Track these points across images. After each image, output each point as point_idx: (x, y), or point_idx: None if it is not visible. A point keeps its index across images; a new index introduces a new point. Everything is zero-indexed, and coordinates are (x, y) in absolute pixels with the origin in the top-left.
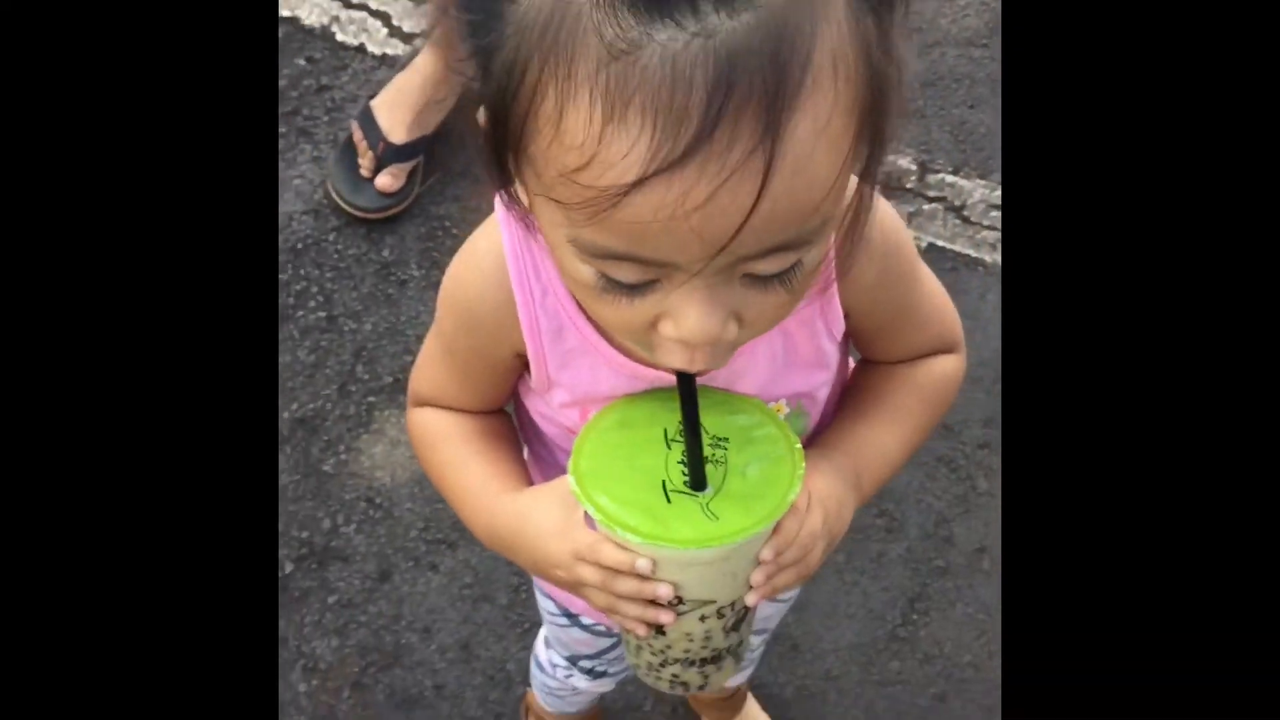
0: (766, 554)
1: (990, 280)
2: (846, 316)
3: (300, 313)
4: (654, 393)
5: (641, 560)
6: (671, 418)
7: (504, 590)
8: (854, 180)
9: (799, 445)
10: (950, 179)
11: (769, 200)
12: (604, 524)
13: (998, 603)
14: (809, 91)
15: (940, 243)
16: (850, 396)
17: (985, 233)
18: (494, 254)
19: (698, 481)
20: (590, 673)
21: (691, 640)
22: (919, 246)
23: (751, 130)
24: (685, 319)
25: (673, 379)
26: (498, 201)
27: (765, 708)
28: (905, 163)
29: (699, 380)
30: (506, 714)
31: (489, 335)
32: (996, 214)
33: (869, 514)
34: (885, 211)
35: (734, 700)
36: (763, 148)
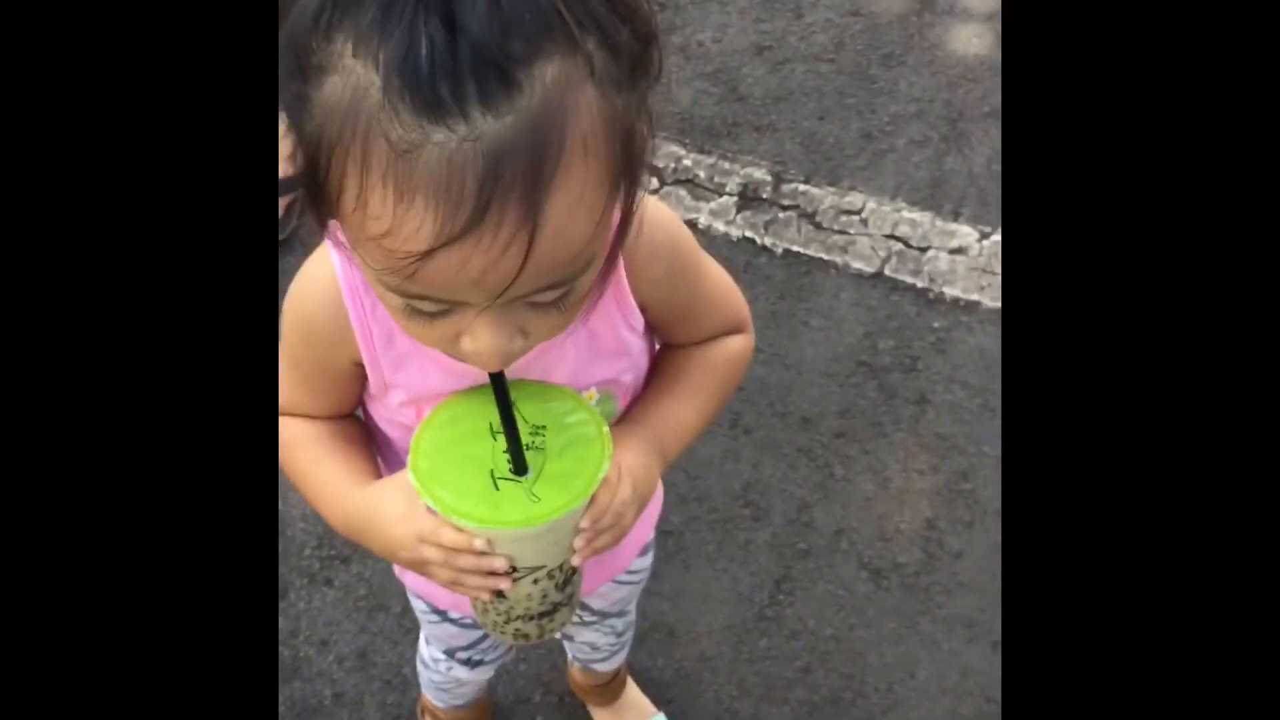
0: (585, 523)
1: (843, 280)
2: (644, 309)
3: None
4: (477, 390)
5: (478, 540)
6: (495, 413)
7: (397, 599)
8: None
9: (606, 428)
10: (803, 188)
11: (534, 261)
12: (443, 513)
13: (856, 580)
14: (563, 173)
15: (795, 248)
16: (653, 377)
17: (836, 237)
18: (328, 274)
19: (519, 467)
20: (468, 663)
21: (530, 600)
22: (775, 252)
23: (516, 212)
24: (479, 338)
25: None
26: (330, 240)
27: (645, 691)
28: (760, 174)
29: (518, 374)
30: (404, 716)
31: (328, 345)
32: (846, 218)
33: (736, 505)
34: (663, 212)
35: (614, 685)
36: (526, 226)
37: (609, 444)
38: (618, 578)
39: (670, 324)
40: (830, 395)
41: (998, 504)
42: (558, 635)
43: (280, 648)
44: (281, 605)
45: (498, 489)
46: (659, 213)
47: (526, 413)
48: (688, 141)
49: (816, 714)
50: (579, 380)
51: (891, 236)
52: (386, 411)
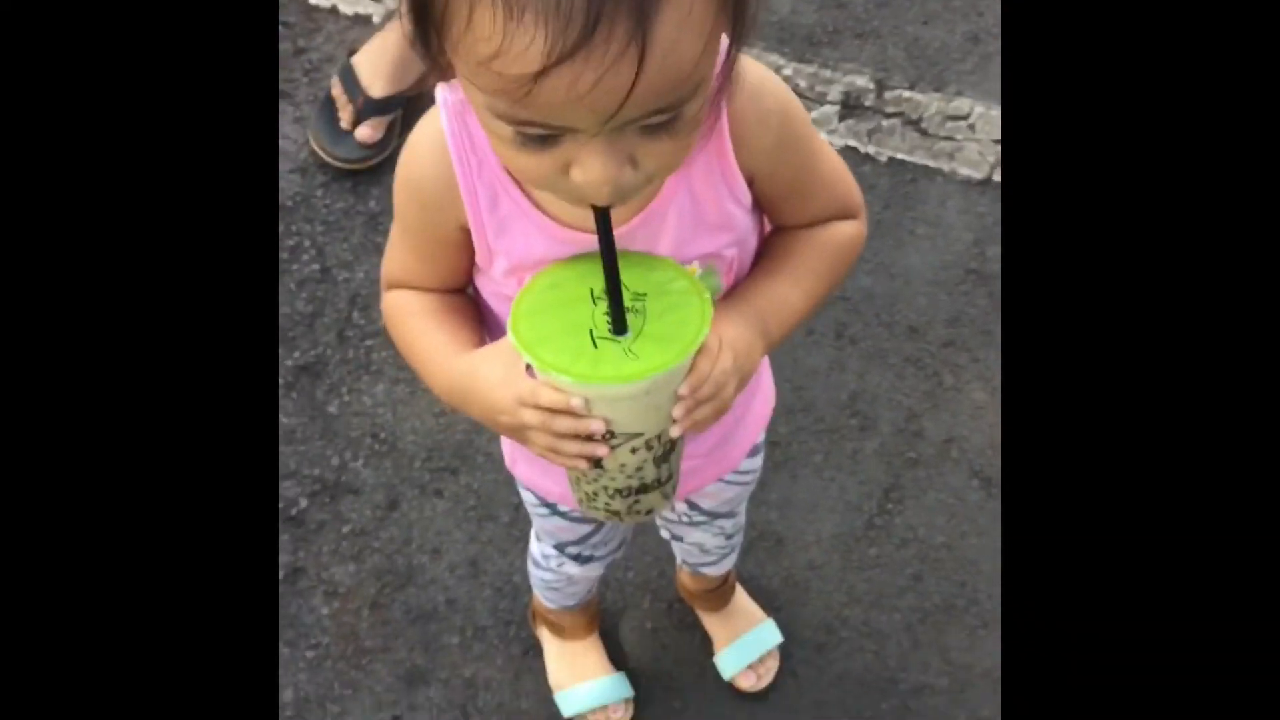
0: (684, 389)
1: (950, 188)
2: (751, 182)
3: (295, 266)
4: (579, 258)
5: (575, 399)
6: (596, 279)
7: (505, 509)
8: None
9: (708, 295)
10: (907, 94)
11: (644, 80)
12: (541, 370)
13: (967, 489)
14: None
15: (900, 155)
16: (760, 259)
17: (942, 143)
18: (435, 136)
19: (619, 326)
20: (578, 558)
21: (624, 471)
22: (879, 161)
23: (625, 26)
24: (589, 166)
25: (595, 243)
26: (438, 92)
27: (754, 598)
28: (863, 81)
29: (622, 245)
30: (515, 621)
31: (436, 208)
32: (952, 124)
33: (843, 415)
34: (774, 81)
35: (723, 591)
36: (635, 41)
37: (709, 309)
38: (726, 477)
39: (778, 200)
40: (938, 304)
41: None
42: (649, 517)
43: (395, 556)
44: (394, 516)
45: (596, 348)
46: (770, 81)
47: (628, 280)
48: (787, 50)
49: (928, 621)
50: (682, 252)
51: (1000, 142)
52: (492, 284)
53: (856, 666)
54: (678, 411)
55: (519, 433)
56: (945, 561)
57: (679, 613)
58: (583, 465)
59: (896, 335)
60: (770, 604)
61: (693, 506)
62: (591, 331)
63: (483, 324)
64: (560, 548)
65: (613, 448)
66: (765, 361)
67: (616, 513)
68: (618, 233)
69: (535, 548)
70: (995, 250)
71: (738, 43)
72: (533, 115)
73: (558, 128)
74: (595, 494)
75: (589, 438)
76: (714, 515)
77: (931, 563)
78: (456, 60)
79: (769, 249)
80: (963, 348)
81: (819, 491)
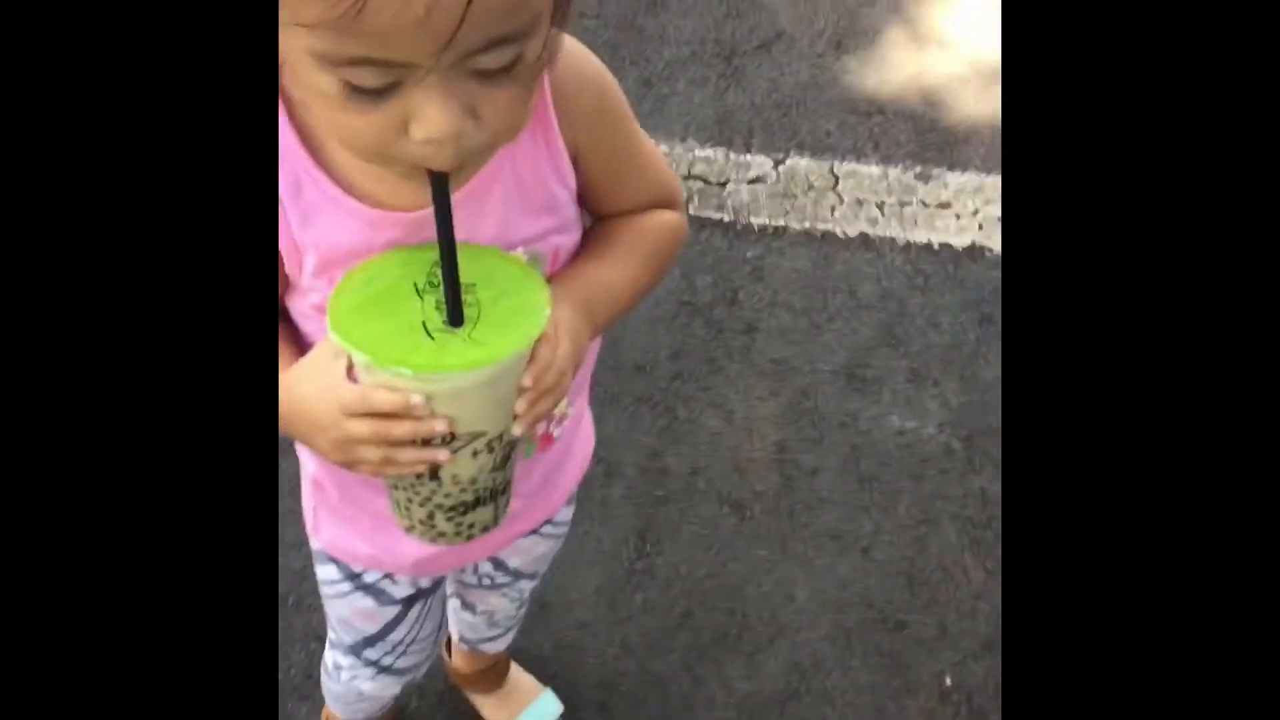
0: (527, 380)
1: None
2: (574, 160)
3: None
4: (395, 252)
5: (415, 396)
6: (417, 271)
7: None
8: None
9: (541, 277)
10: None
11: None
12: (377, 365)
13: (719, 516)
14: None
15: None
16: (582, 245)
17: None
18: None
19: (455, 316)
20: (376, 665)
21: (459, 482)
22: None
23: None
24: (428, 117)
25: (409, 226)
26: None
27: (528, 668)
28: None
29: (429, 240)
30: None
31: None
32: None
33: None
34: (590, 55)
35: (499, 668)
36: None
37: (546, 292)
38: (542, 529)
39: (599, 181)
40: (659, 340)
41: (841, 416)
42: (479, 537)
43: None
44: None
45: (434, 339)
46: (583, 49)
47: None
48: None
49: (705, 656)
50: (505, 237)
51: (690, 176)
52: (301, 298)
53: (643, 717)
54: (521, 405)
55: (345, 450)
56: (712, 592)
57: (452, 702)
58: (421, 469)
59: (625, 376)
60: (544, 672)
61: (498, 566)
62: (424, 324)
63: (298, 349)
64: (357, 649)
65: (453, 451)
66: (585, 392)
67: (444, 534)
68: (428, 212)
69: (329, 656)
70: (703, 280)
71: None
72: (362, 47)
73: (391, 63)
74: (428, 516)
75: (427, 443)
76: (518, 575)
77: (698, 597)
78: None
79: (590, 237)
80: (690, 379)
81: (575, 546)
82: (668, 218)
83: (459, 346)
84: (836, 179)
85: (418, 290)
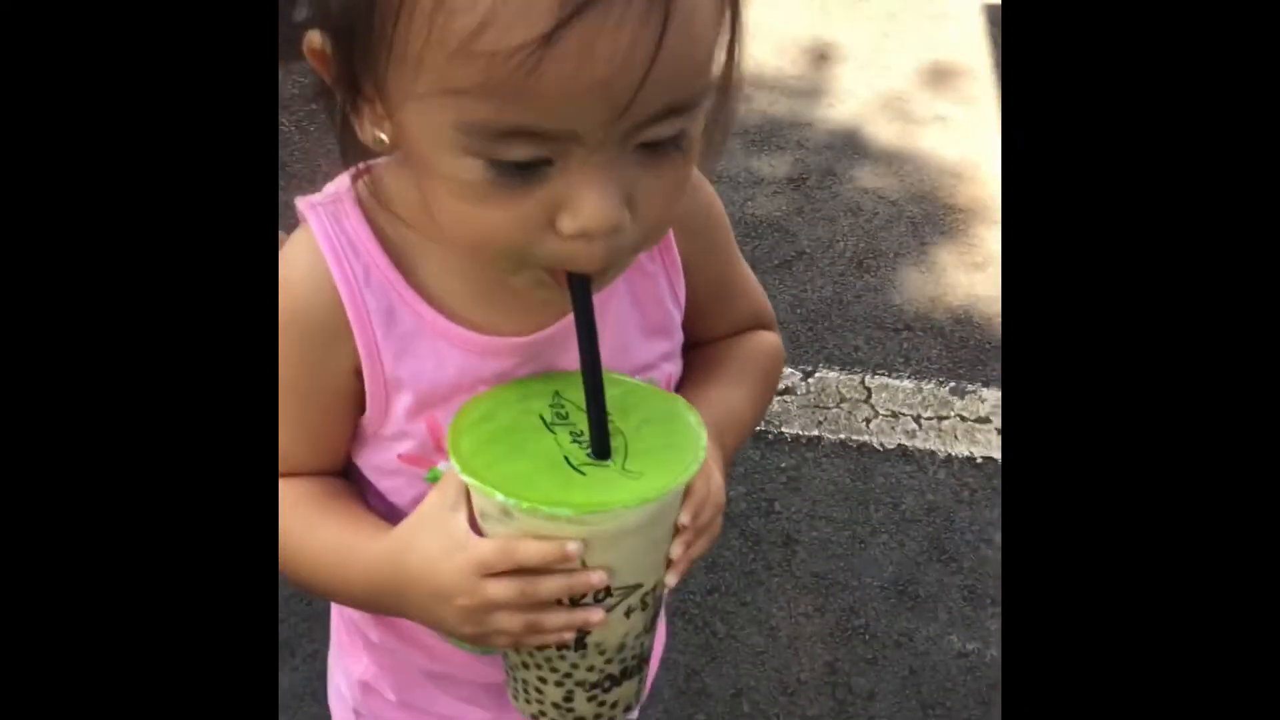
0: (685, 517)
1: None
2: (684, 273)
3: None
4: (507, 386)
5: (572, 544)
6: (539, 403)
7: None
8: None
9: (683, 401)
10: None
11: (666, 51)
12: (519, 508)
13: None
14: None
15: None
16: (691, 371)
17: None
18: (308, 250)
19: (602, 447)
20: None
21: (605, 651)
22: None
23: None
24: (584, 203)
25: (521, 355)
26: (299, 206)
27: None
28: None
29: (549, 358)
30: None
31: (321, 341)
32: None
33: None
34: (701, 177)
35: None
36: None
37: (696, 414)
38: None
39: (706, 300)
40: None
41: (895, 635)
42: None
43: None
44: None
45: (583, 474)
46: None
47: (578, 399)
48: None
49: None
50: (620, 365)
51: None
52: (383, 450)
53: None
54: (677, 548)
55: (479, 620)
56: None
57: None
58: (567, 639)
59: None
60: None
61: None
62: (567, 459)
63: (377, 514)
64: None
65: (607, 611)
66: None
67: (581, 718)
68: (543, 336)
69: None
70: (737, 490)
71: (734, 55)
72: (524, 115)
73: (553, 135)
74: (564, 697)
75: (574, 604)
76: None
77: None
78: (404, 74)
79: (699, 362)
80: (728, 593)
81: None
82: (772, 338)
83: (616, 481)
84: (869, 391)
85: (546, 424)
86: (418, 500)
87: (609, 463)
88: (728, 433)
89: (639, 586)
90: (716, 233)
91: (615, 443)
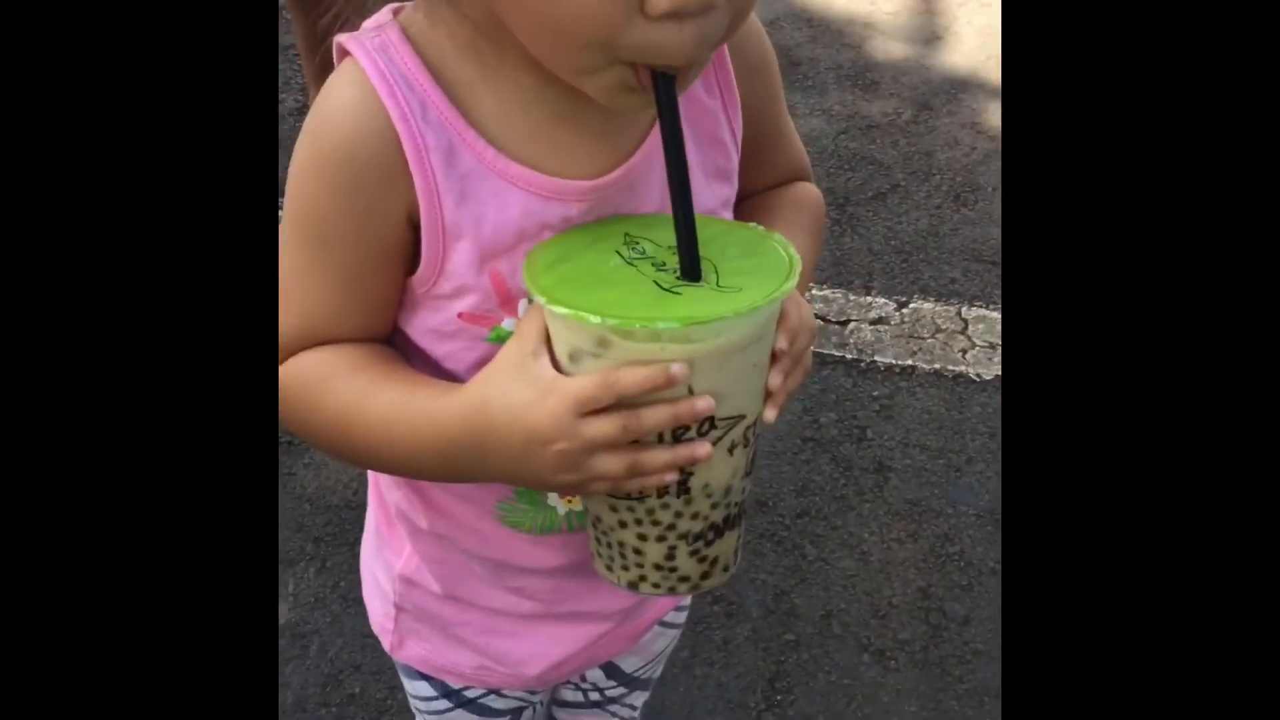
0: (782, 341)
1: None
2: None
3: None
4: (579, 229)
5: (676, 365)
6: (615, 241)
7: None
8: None
9: (760, 227)
10: None
11: None
12: (618, 331)
13: (859, 665)
14: None
15: None
16: (747, 219)
17: None
18: (357, 85)
19: (692, 266)
20: None
21: (711, 494)
22: None
23: None
24: None
25: (589, 199)
26: (340, 42)
27: None
28: None
29: (618, 203)
30: None
31: (374, 185)
32: None
33: (703, 602)
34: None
35: None
36: None
37: (780, 235)
38: (664, 618)
39: (760, 145)
40: (782, 475)
41: (991, 563)
42: (720, 582)
43: None
44: None
45: (677, 294)
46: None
47: (657, 237)
48: None
49: None
50: None
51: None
52: (439, 309)
53: None
54: (775, 377)
55: (578, 465)
56: None
57: None
58: (670, 480)
59: (746, 511)
60: None
61: (612, 673)
62: (657, 282)
63: (439, 378)
64: None
65: (712, 445)
66: None
67: (686, 578)
68: (610, 179)
69: None
70: (828, 416)
71: None
72: None
73: None
74: (665, 553)
75: (680, 436)
76: (633, 684)
77: None
78: None
79: (751, 211)
80: (818, 516)
81: (693, 692)
82: (814, 189)
83: (713, 297)
84: (965, 323)
85: (625, 259)
86: (478, 365)
87: (701, 284)
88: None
89: (742, 418)
90: (771, 72)
91: (704, 267)
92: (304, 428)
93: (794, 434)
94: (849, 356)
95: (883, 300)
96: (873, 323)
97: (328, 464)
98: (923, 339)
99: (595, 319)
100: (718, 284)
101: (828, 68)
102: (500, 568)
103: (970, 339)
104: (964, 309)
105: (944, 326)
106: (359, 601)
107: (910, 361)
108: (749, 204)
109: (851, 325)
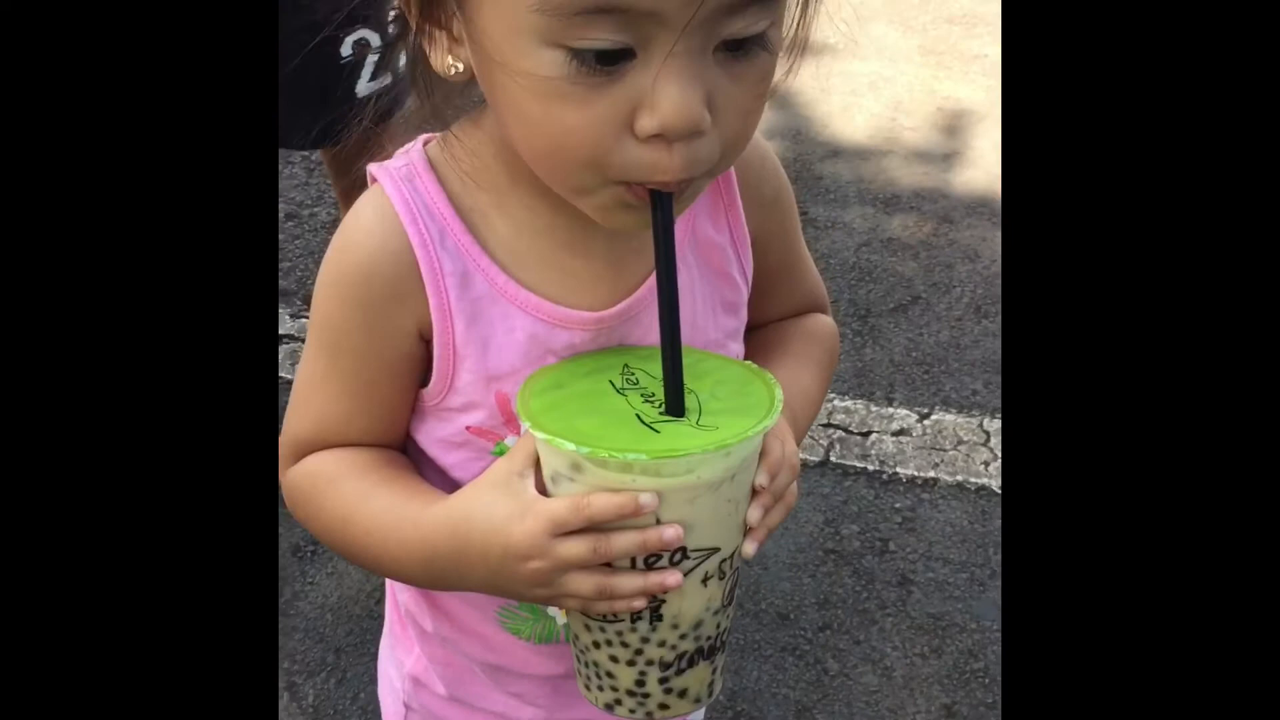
0: (762, 478)
1: None
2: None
3: None
4: (581, 357)
5: (646, 496)
6: (612, 372)
7: None
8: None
9: (754, 365)
10: None
11: None
12: (591, 459)
13: None
14: None
15: None
16: (754, 353)
17: None
18: (380, 210)
19: (676, 402)
20: None
21: (681, 625)
22: None
23: None
24: (664, 98)
25: (591, 330)
26: (371, 171)
27: None
28: None
29: (623, 334)
30: None
31: (390, 301)
32: None
33: (724, 715)
34: (769, 149)
35: None
36: None
37: (769, 376)
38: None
39: (771, 277)
40: (803, 587)
41: None
42: (691, 712)
43: None
44: None
45: (656, 431)
46: (767, 151)
47: (650, 369)
48: None
49: None
50: (688, 338)
51: (829, 425)
52: (445, 422)
53: None
54: (754, 512)
55: (550, 582)
56: None
57: None
58: (640, 605)
59: (766, 624)
60: None
61: None
62: (639, 416)
63: (437, 488)
64: None
65: (684, 575)
66: None
67: (664, 705)
68: (614, 312)
69: None
70: (849, 529)
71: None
72: None
73: (637, 11)
74: (635, 679)
75: (652, 564)
76: None
77: None
78: None
79: (762, 342)
80: (840, 630)
81: None
82: (830, 322)
83: (690, 433)
84: (988, 435)
85: (616, 389)
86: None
87: (682, 420)
88: (799, 409)
89: (716, 551)
90: (786, 207)
91: (689, 402)
92: (311, 525)
93: (815, 546)
94: (871, 468)
95: (904, 412)
96: (895, 434)
97: (350, 573)
98: (945, 451)
99: (570, 446)
100: (698, 421)
101: (849, 180)
102: (501, 672)
103: (993, 451)
104: (986, 421)
105: (966, 438)
106: (378, 714)
107: (932, 474)
108: (760, 334)
109: (873, 437)
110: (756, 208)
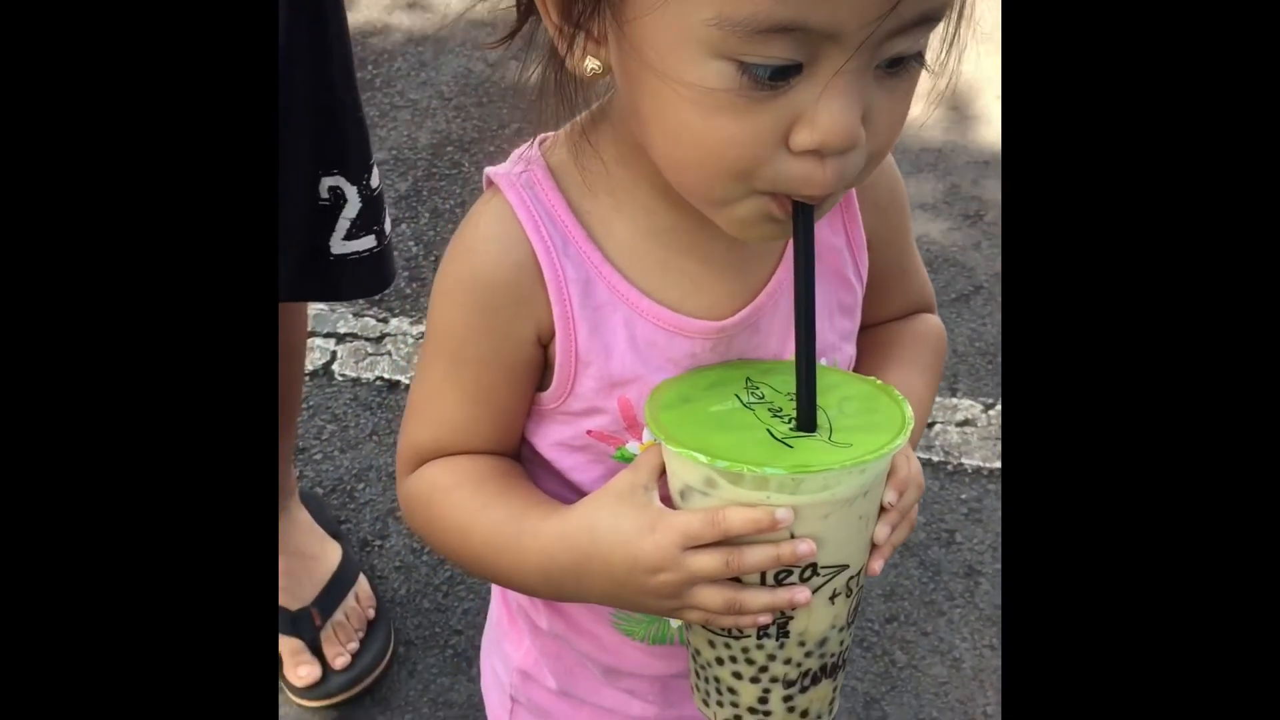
0: (891, 495)
1: None
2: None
3: None
4: (701, 371)
5: (781, 510)
6: (735, 385)
7: None
8: None
9: (876, 379)
10: None
11: None
12: (726, 475)
13: None
14: None
15: None
16: (866, 355)
17: None
18: (501, 215)
19: (809, 417)
20: None
21: (807, 642)
22: None
23: None
24: (826, 115)
25: (712, 339)
26: (491, 175)
27: None
28: None
29: (742, 343)
30: None
31: (511, 307)
32: None
33: None
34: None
35: None
36: None
37: (895, 391)
38: None
39: (884, 277)
40: (870, 580)
41: None
42: None
43: None
44: None
45: (790, 447)
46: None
47: (777, 383)
48: None
49: None
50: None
51: None
52: (563, 426)
53: None
54: (882, 530)
55: (679, 595)
56: None
57: None
58: (768, 620)
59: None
60: None
61: None
62: (770, 431)
63: (550, 493)
64: None
65: (813, 592)
66: None
67: None
68: (734, 321)
69: None
70: (916, 519)
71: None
72: (791, 9)
73: (816, 31)
74: (759, 696)
75: (781, 580)
76: None
77: None
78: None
79: (873, 345)
80: (907, 622)
81: None
82: (938, 322)
83: (824, 449)
84: None
85: (743, 403)
86: (603, 478)
87: (814, 435)
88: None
89: (845, 568)
90: (900, 209)
91: (819, 418)
92: (426, 534)
93: None
94: (935, 459)
95: (969, 402)
96: (959, 425)
97: (418, 567)
98: None
99: (705, 459)
100: (830, 437)
101: (907, 173)
102: (614, 671)
103: None
104: None
105: None
106: (449, 705)
107: (998, 464)
108: (871, 335)
109: (938, 427)
110: (872, 210)
